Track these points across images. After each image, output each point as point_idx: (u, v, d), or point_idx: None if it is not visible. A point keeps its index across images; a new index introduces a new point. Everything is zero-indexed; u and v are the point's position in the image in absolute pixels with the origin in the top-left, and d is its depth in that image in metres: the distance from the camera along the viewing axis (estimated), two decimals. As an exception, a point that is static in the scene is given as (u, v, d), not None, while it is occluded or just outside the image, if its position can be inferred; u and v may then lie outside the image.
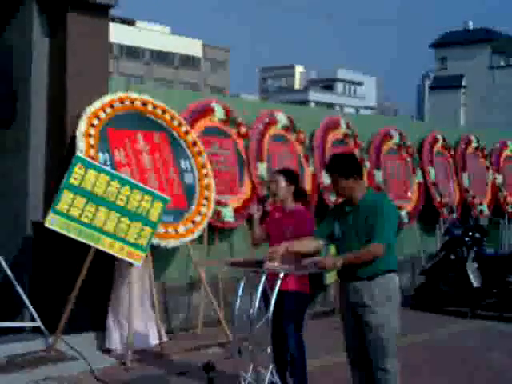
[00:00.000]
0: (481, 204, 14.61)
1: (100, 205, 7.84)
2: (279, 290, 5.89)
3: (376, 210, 5.47)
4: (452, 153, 14.53)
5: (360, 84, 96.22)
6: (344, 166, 5.64)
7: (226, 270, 9.19)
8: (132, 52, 76.08)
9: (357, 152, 11.88)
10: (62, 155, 8.38)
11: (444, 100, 72.83)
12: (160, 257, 8.98)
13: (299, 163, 11.04)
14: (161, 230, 8.39)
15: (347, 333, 5.81)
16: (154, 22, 79.79)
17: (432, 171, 13.66)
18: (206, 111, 9.98)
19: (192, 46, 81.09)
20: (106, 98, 8.57)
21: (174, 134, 9.18)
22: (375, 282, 5.50)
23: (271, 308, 5.77)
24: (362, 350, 5.64)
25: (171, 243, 8.57)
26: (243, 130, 10.38)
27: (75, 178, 7.73)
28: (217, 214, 9.55)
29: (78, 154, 7.95)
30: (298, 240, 5.92)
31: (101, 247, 7.84)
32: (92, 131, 8.25)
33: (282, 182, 6.52)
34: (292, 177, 6.63)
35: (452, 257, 11.24)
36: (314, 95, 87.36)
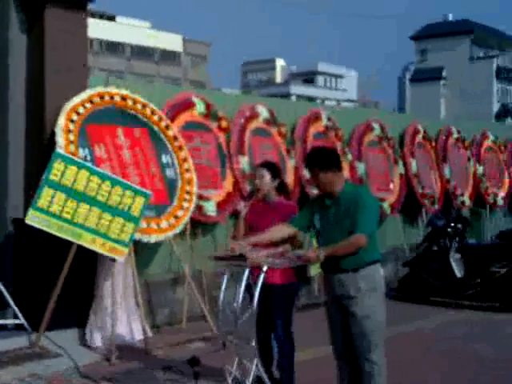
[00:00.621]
0: (462, 195, 14.69)
1: (81, 201, 7.79)
2: (266, 283, 5.89)
3: (357, 202, 5.49)
4: (433, 144, 14.58)
5: (341, 77, 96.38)
6: (323, 159, 5.66)
7: (209, 264, 9.16)
8: (112, 47, 75.75)
9: (338, 144, 11.91)
10: (41, 151, 8.31)
11: (424, 92, 73.20)
12: (143, 252, 8.95)
13: (281, 156, 11.03)
14: (143, 225, 8.35)
15: (333, 325, 5.81)
16: (134, 18, 79.50)
17: (413, 163, 13.71)
18: (187, 105, 9.94)
19: (172, 41, 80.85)
20: (86, 94, 8.51)
21: (155, 128, 9.14)
22: (360, 274, 5.51)
23: (255, 301, 5.76)
24: (348, 341, 5.65)
25: (154, 238, 8.53)
26: (224, 123, 10.35)
27: (55, 174, 7.67)
28: (199, 208, 9.52)
29: (58, 149, 7.89)
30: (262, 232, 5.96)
31: (82, 243, 7.80)
32: (71, 127, 8.19)
33: (267, 176, 6.49)
34: (276, 170, 6.63)
35: (435, 248, 11.29)
36: (295, 88, 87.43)
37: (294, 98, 75.48)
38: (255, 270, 5.88)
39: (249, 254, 5.80)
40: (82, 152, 8.23)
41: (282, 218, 6.34)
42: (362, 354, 5.56)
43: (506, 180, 16.32)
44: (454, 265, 10.95)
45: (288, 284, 6.37)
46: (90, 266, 8.27)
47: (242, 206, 6.66)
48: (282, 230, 5.90)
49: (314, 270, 10.41)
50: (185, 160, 9.28)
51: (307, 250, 5.70)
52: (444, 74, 74.97)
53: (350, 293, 5.53)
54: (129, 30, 75.93)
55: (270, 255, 5.87)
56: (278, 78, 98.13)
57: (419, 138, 14.18)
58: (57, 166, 7.68)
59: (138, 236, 8.26)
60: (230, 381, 5.96)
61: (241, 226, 6.61)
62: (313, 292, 11.16)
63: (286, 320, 6.40)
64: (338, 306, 5.66)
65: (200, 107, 10.06)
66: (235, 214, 7.12)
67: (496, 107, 72.83)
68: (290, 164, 11.16)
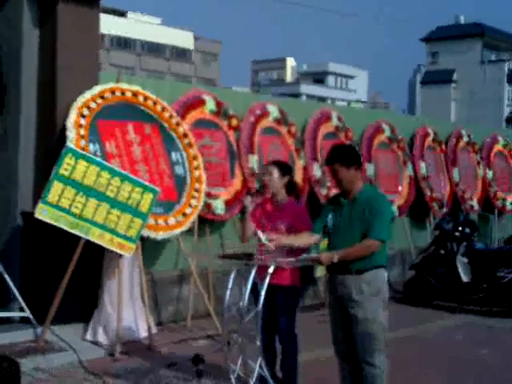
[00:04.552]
0: (471, 199, 14.63)
1: (90, 196, 7.80)
2: (272, 284, 5.89)
3: (374, 206, 5.48)
4: (443, 147, 14.53)
5: (351, 77, 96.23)
6: (345, 155, 5.66)
7: (216, 262, 9.17)
8: (123, 43, 75.83)
9: (348, 145, 11.88)
10: (52, 146, 8.34)
11: (435, 94, 73.00)
12: (150, 248, 8.97)
13: (290, 156, 11.02)
14: (151, 221, 8.36)
15: (335, 326, 5.81)
16: (145, 14, 79.57)
17: (423, 165, 13.67)
18: (198, 103, 9.94)
19: (183, 38, 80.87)
20: (97, 89, 8.53)
21: (165, 125, 9.15)
22: (363, 277, 5.51)
23: (261, 301, 5.76)
24: (350, 343, 5.65)
25: (161, 235, 8.54)
26: (234, 122, 10.35)
27: (65, 169, 7.69)
28: (207, 206, 9.52)
29: (69, 144, 7.91)
30: (294, 235, 5.93)
31: (90, 238, 7.81)
32: (82, 122, 8.21)
33: (276, 173, 6.47)
34: (285, 168, 6.59)
35: (442, 251, 11.25)
36: (306, 88, 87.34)
37: (304, 97, 75.40)
38: (262, 269, 5.88)
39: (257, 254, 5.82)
40: (92, 147, 8.25)
41: (290, 220, 6.33)
42: (362, 356, 5.57)
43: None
44: (460, 269, 10.91)
45: (293, 285, 6.36)
46: (96, 260, 8.29)
47: (249, 202, 6.58)
48: (309, 238, 5.83)
49: (320, 271, 10.38)
50: (194, 158, 9.29)
51: (320, 253, 5.65)
52: (455, 76, 74.75)
53: (352, 295, 5.53)
54: (140, 26, 75.96)
55: (278, 255, 5.89)
56: (289, 78, 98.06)
57: (429, 140, 14.14)
58: (67, 161, 7.70)
59: (145, 232, 8.27)
60: (233, 379, 5.97)
61: (249, 224, 6.58)
62: (318, 293, 11.15)
63: (290, 321, 6.39)
64: (340, 307, 5.67)
65: (211, 105, 10.06)
66: (242, 211, 7.05)
67: (507, 111, 72.63)
68: (300, 164, 11.15)
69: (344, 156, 5.63)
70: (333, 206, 5.79)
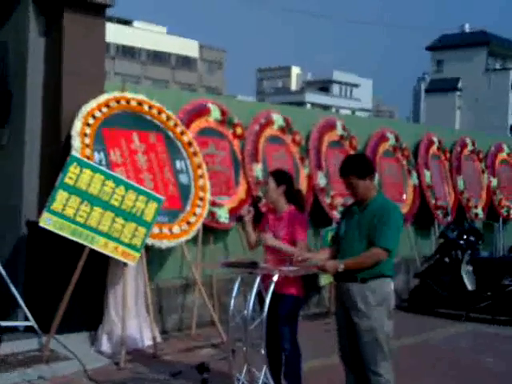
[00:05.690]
0: (476, 207, 14.62)
1: (95, 205, 7.81)
2: (276, 292, 5.89)
3: (384, 215, 5.48)
4: (447, 155, 14.53)
5: (356, 86, 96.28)
6: (360, 166, 5.65)
7: (220, 270, 9.17)
8: (128, 52, 75.98)
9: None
10: (57, 154, 8.36)
11: (440, 103, 72.91)
12: (154, 257, 8.97)
13: (295, 164, 11.03)
14: (155, 230, 8.37)
15: (341, 334, 5.81)
16: (151, 23, 79.72)
17: (427, 174, 13.67)
18: (202, 112, 9.97)
19: (188, 47, 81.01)
20: (102, 98, 8.55)
21: (170, 134, 9.17)
22: (368, 285, 5.50)
23: (265, 309, 5.76)
24: (356, 351, 5.63)
25: (166, 244, 8.55)
26: (239, 130, 10.37)
27: (70, 178, 7.70)
28: (212, 214, 9.53)
29: (74, 153, 7.93)
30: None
31: (95, 247, 7.81)
32: (87, 130, 8.23)
33: (272, 183, 6.47)
34: (281, 177, 6.55)
35: (446, 260, 11.24)
36: (310, 97, 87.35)
37: (308, 106, 75.45)
38: (266, 277, 5.89)
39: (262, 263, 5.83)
40: (97, 156, 8.27)
41: (287, 229, 6.31)
42: (368, 365, 5.55)
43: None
44: (465, 277, 10.90)
45: (296, 295, 6.34)
46: (101, 269, 8.29)
47: (246, 211, 6.62)
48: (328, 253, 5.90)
49: (325, 280, 10.40)
50: (199, 166, 9.30)
51: (326, 260, 5.66)
52: (460, 85, 74.69)
53: (356, 304, 5.52)
54: (145, 35, 76.11)
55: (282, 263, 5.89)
56: (293, 86, 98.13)
57: (433, 148, 14.14)
58: (72, 170, 7.71)
59: (150, 241, 8.28)
60: (238, 388, 5.97)
61: (249, 231, 6.60)
62: (323, 301, 11.15)
63: (292, 330, 6.37)
64: (346, 315, 5.66)
65: (215, 114, 10.08)
66: (239, 220, 7.01)
67: (511, 119, 72.50)
68: (304, 172, 11.16)
69: (358, 167, 5.62)
70: (345, 215, 5.84)
